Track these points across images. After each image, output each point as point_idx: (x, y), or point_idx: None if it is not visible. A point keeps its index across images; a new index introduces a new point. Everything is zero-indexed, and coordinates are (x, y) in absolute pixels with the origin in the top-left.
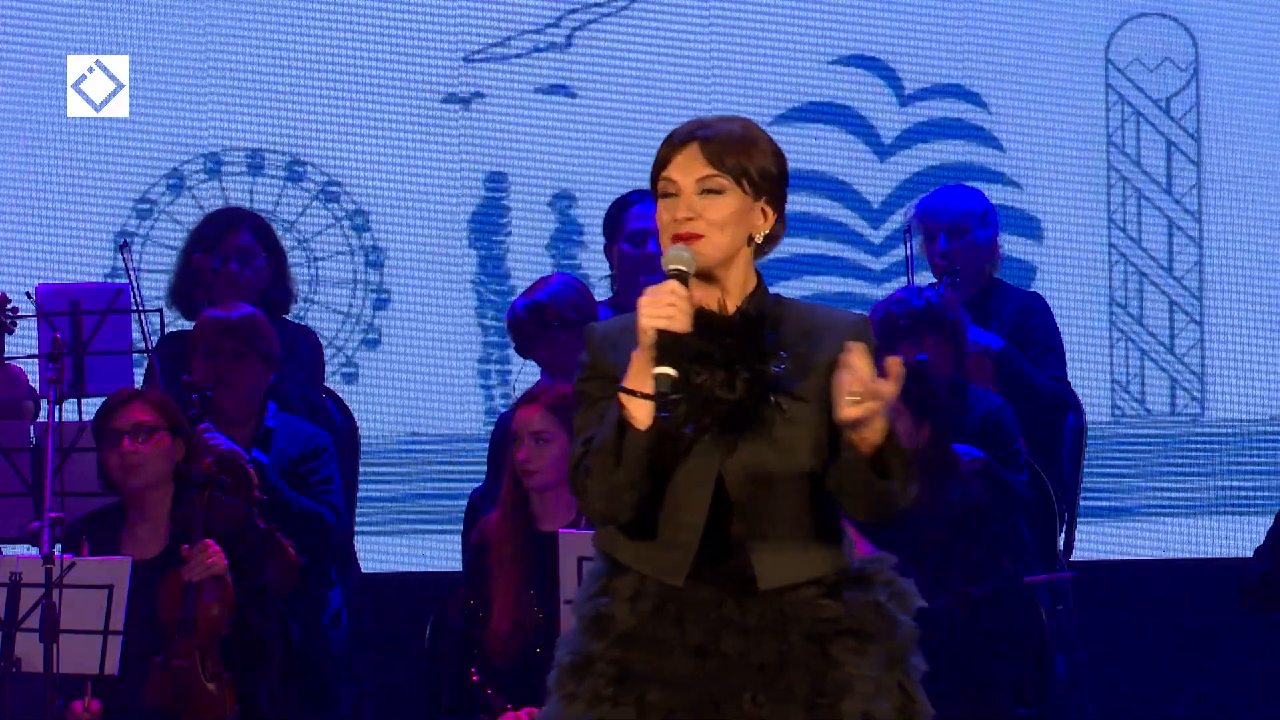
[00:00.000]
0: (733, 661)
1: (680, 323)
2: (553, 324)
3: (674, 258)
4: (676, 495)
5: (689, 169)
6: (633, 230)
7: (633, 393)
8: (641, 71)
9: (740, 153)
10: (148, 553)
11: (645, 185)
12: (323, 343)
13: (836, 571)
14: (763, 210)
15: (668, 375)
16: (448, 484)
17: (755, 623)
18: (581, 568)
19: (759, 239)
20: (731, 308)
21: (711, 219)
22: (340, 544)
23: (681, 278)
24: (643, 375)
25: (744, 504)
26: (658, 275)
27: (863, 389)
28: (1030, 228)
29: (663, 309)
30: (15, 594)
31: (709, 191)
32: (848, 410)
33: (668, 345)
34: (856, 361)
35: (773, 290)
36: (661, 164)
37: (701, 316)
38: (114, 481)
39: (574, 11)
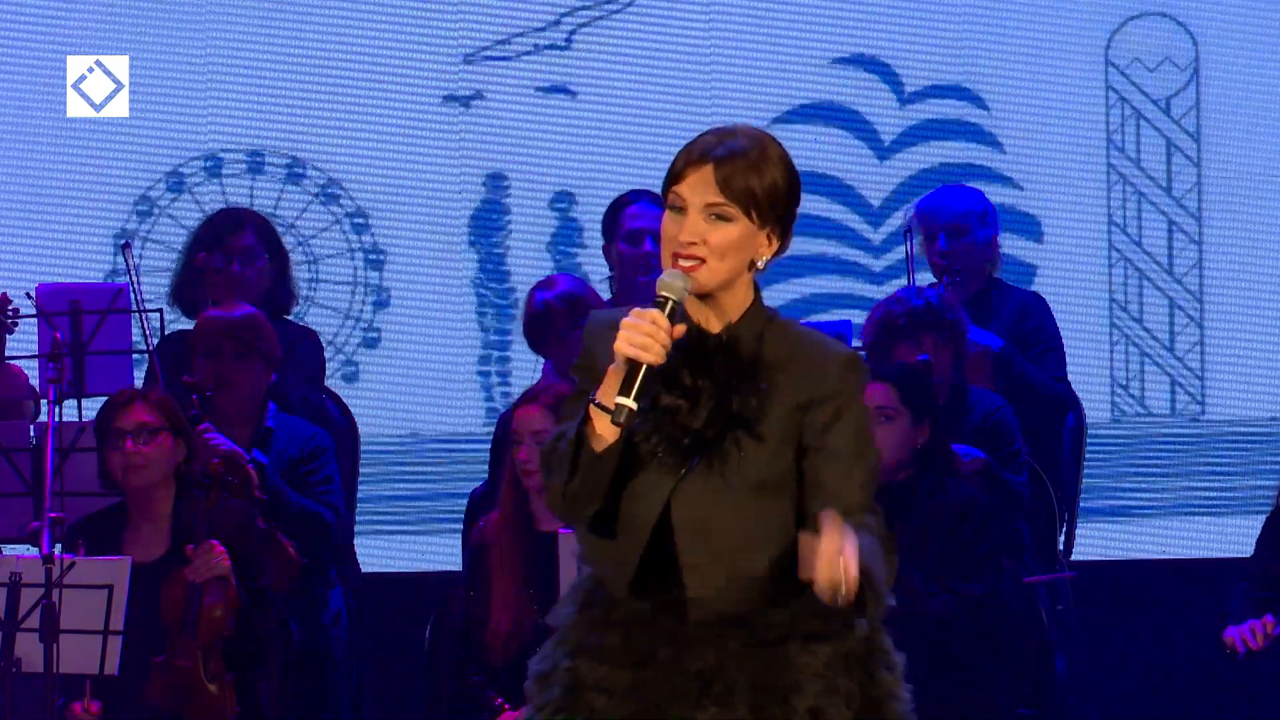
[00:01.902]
0: (670, 669)
1: (654, 355)
2: (579, 320)
3: (666, 285)
4: (629, 511)
5: (701, 190)
6: (629, 230)
7: (600, 406)
8: (641, 71)
9: (753, 180)
10: (150, 553)
11: (645, 185)
12: (323, 343)
13: (786, 597)
14: (768, 236)
15: (627, 408)
16: (448, 484)
17: (692, 633)
18: (581, 568)
19: (761, 265)
20: (719, 326)
21: (715, 245)
22: (340, 544)
23: (668, 307)
24: (610, 390)
25: (687, 531)
26: (655, 274)
27: (829, 575)
28: (1030, 228)
29: (640, 338)
30: (15, 594)
31: (717, 218)
32: (819, 587)
33: (638, 376)
34: (827, 548)
35: (777, 291)
36: (675, 177)
37: (682, 338)
38: (116, 482)
39: (574, 11)
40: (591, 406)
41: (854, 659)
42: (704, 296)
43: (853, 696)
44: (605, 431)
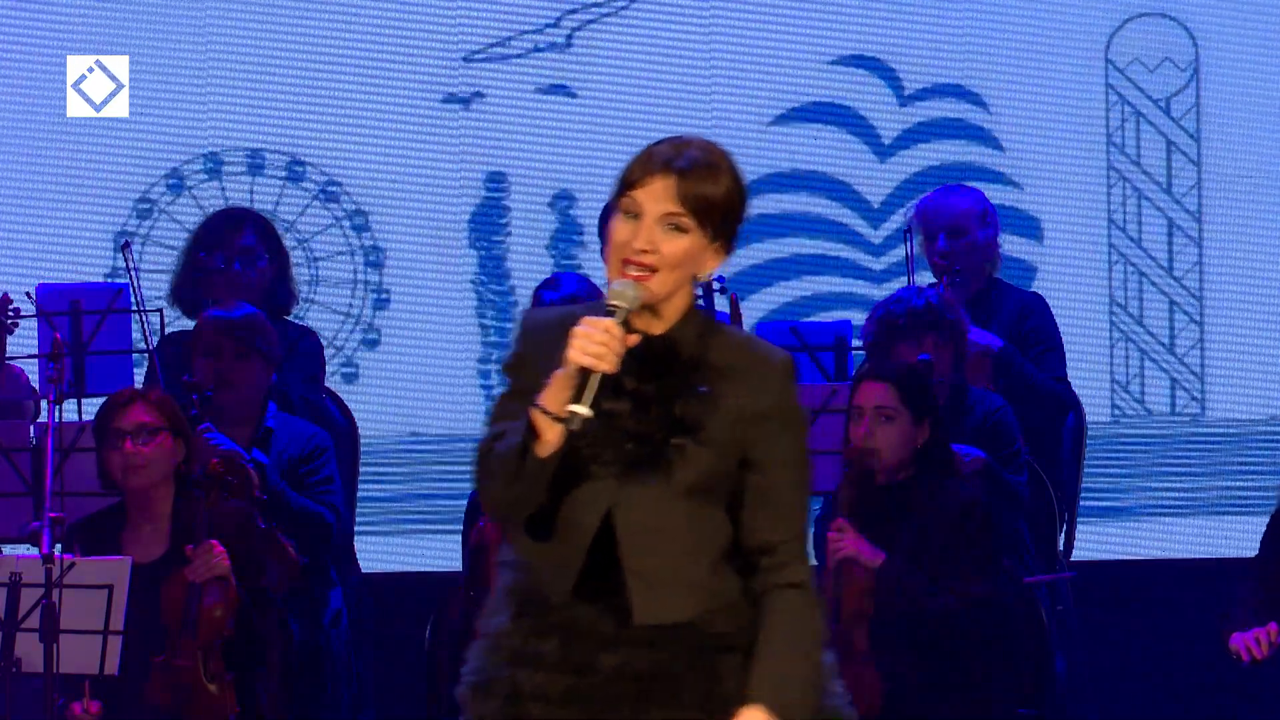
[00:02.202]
0: (611, 676)
1: (607, 364)
2: None
3: (619, 294)
4: (569, 515)
5: (659, 199)
6: None
7: (546, 412)
8: (641, 71)
9: (710, 192)
10: (149, 554)
11: None
12: (323, 343)
13: (724, 604)
14: (716, 250)
15: (581, 415)
16: (448, 484)
17: (634, 638)
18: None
19: (704, 277)
20: (659, 331)
21: (668, 255)
22: (340, 544)
23: (621, 316)
24: (559, 397)
25: (629, 537)
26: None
27: None
28: (1030, 228)
29: (594, 347)
30: (15, 594)
31: (673, 228)
32: None
33: (588, 383)
34: None
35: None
36: (631, 183)
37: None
38: (116, 482)
39: (574, 11)
40: (535, 412)
41: None
42: (644, 305)
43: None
44: (550, 437)
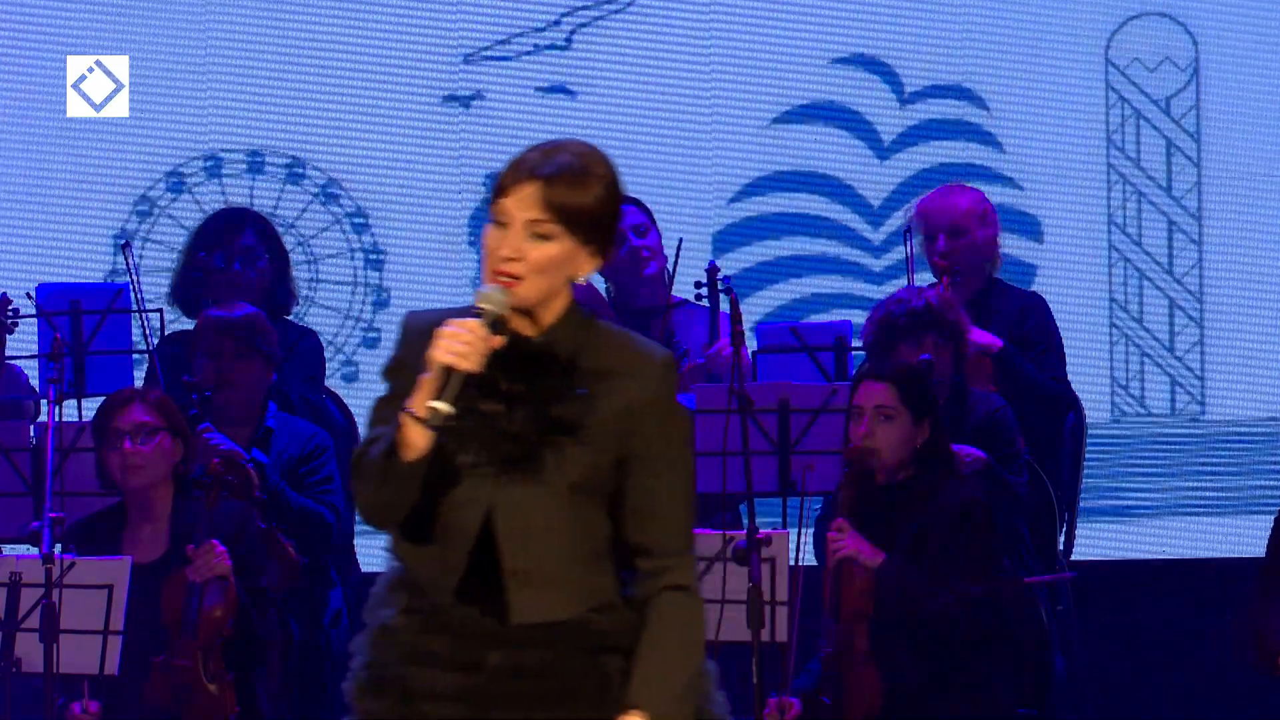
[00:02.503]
0: (500, 674)
1: (469, 363)
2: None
3: (485, 298)
4: (450, 518)
5: (524, 206)
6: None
7: (413, 415)
8: (641, 71)
9: (575, 198)
10: (149, 553)
11: (644, 186)
12: (323, 343)
13: (605, 603)
14: (589, 254)
15: (440, 411)
16: None
17: (521, 637)
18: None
19: (579, 280)
20: (536, 333)
21: (533, 262)
22: (340, 544)
23: (488, 319)
24: (423, 398)
25: (509, 538)
26: (651, 268)
27: None
28: (1030, 228)
29: (457, 346)
30: (15, 594)
31: (538, 235)
32: None
33: (449, 380)
34: None
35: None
36: (499, 191)
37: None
38: (115, 482)
39: (574, 11)
40: (403, 415)
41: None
42: (519, 309)
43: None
44: (417, 440)
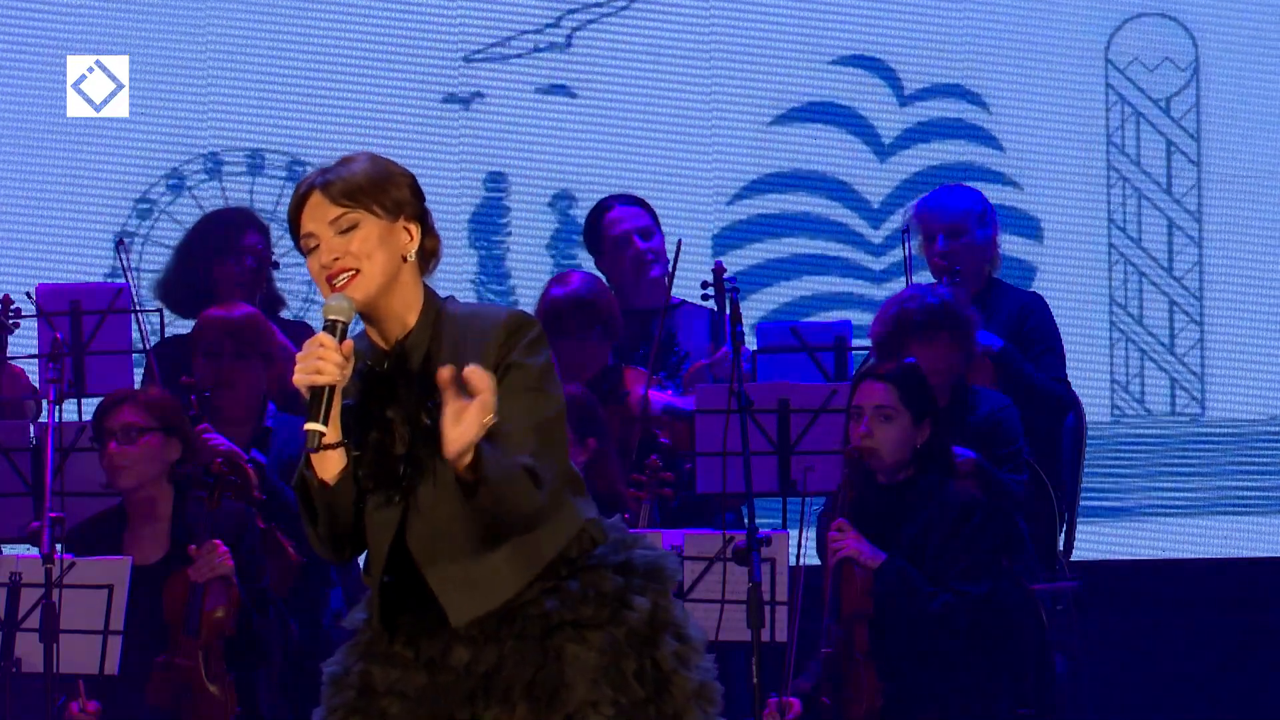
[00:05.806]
0: (460, 672)
1: (330, 375)
2: (589, 319)
3: (332, 309)
4: (371, 547)
5: (318, 216)
6: (614, 237)
7: (306, 447)
8: (641, 71)
9: (352, 178)
10: (150, 555)
11: (644, 186)
12: None
13: (550, 571)
14: (406, 229)
15: (316, 431)
16: None
17: (478, 632)
18: None
19: (411, 256)
20: (404, 333)
21: (357, 249)
22: None
23: (336, 329)
24: (311, 425)
25: (420, 551)
26: (657, 268)
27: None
28: (1030, 228)
29: (311, 363)
30: (15, 594)
31: (345, 230)
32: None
33: (322, 400)
34: (477, 383)
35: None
36: (294, 223)
37: (365, 372)
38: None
39: (574, 11)
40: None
41: (636, 638)
42: (373, 312)
43: (633, 680)
44: (324, 466)
